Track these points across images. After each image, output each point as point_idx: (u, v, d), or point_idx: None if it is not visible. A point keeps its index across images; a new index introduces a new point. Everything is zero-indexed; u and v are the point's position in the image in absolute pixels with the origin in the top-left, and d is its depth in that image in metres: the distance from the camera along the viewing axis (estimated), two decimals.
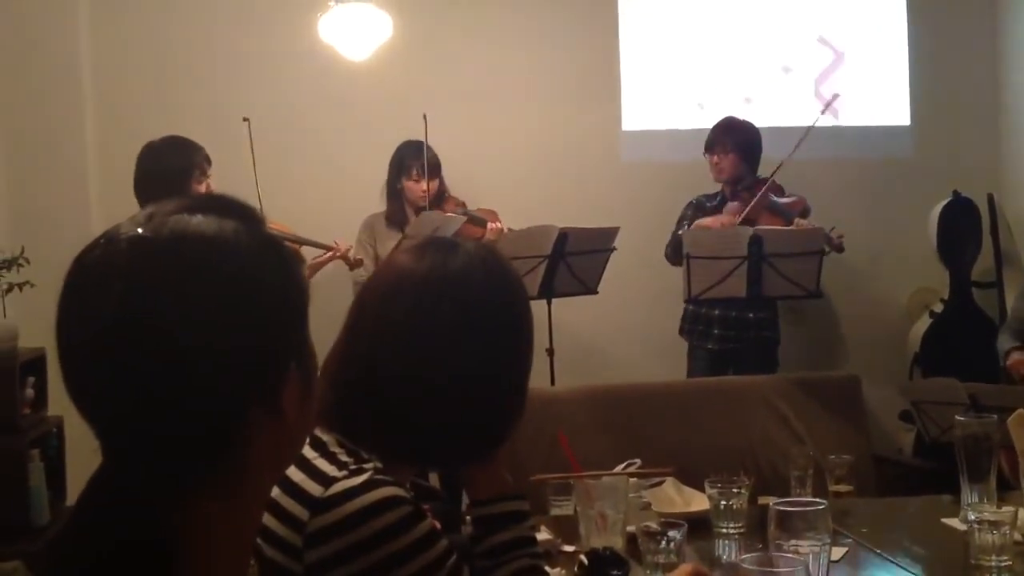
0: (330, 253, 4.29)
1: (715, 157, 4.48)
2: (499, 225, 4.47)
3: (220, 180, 3.84)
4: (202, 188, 3.73)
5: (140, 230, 0.85)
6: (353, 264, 4.31)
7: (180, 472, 0.84)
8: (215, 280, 0.84)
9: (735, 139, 4.47)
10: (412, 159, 4.45)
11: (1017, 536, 1.95)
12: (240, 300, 0.85)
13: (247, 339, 0.84)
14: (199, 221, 0.86)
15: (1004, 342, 4.27)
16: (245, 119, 4.15)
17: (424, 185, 4.42)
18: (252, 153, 4.06)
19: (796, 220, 4.32)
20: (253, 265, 0.87)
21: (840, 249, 4.32)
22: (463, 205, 4.47)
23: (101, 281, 0.83)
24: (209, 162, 3.82)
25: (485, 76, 5.01)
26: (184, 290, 0.82)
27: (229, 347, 0.83)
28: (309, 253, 4.20)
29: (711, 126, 4.68)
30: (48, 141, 4.58)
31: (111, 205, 4.28)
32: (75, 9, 4.69)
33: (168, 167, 3.72)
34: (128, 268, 0.83)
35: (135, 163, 3.79)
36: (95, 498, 0.84)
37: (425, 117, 4.22)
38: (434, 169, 4.45)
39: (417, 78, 4.92)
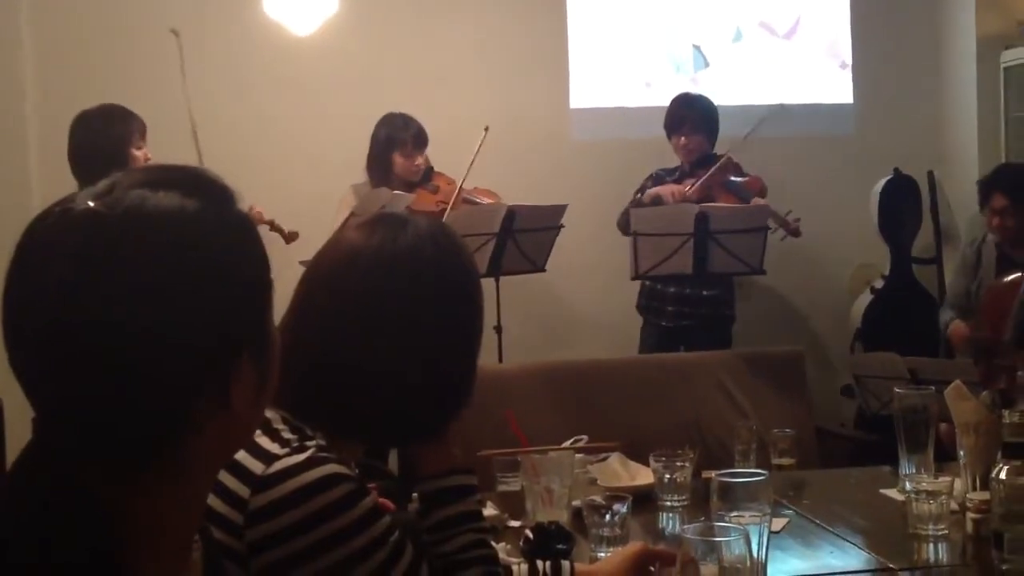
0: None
1: (682, 138, 4.45)
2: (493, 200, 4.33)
3: (162, 158, 3.77)
4: (140, 156, 3.65)
5: (94, 203, 0.81)
6: (288, 237, 4.14)
7: (121, 455, 0.82)
8: (166, 262, 0.81)
9: (700, 117, 4.47)
10: (402, 132, 4.35)
11: (953, 505, 2.00)
12: (191, 285, 0.81)
13: (195, 326, 0.82)
14: (159, 198, 0.82)
15: (943, 316, 4.37)
16: (174, 31, 4.01)
17: (417, 159, 4.36)
18: (193, 127, 3.95)
19: (754, 200, 4.34)
20: (211, 249, 0.84)
21: (796, 233, 4.35)
22: (453, 183, 4.40)
23: (49, 255, 0.80)
24: (144, 129, 3.69)
25: (432, 53, 4.98)
26: (131, 270, 0.80)
27: (175, 334, 0.80)
28: None
29: (659, 104, 4.69)
30: None
31: (52, 180, 4.20)
32: None
33: (103, 136, 3.62)
34: (77, 244, 0.80)
35: (68, 135, 3.67)
36: (30, 477, 0.82)
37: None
38: (423, 140, 4.37)
39: (364, 54, 4.88)
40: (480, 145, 4.20)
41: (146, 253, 0.80)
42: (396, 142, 4.36)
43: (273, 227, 4.08)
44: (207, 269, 0.83)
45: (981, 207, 4.27)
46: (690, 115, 4.46)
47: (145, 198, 0.82)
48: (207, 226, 0.84)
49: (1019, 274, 3.91)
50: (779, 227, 4.32)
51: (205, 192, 0.85)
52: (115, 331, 0.79)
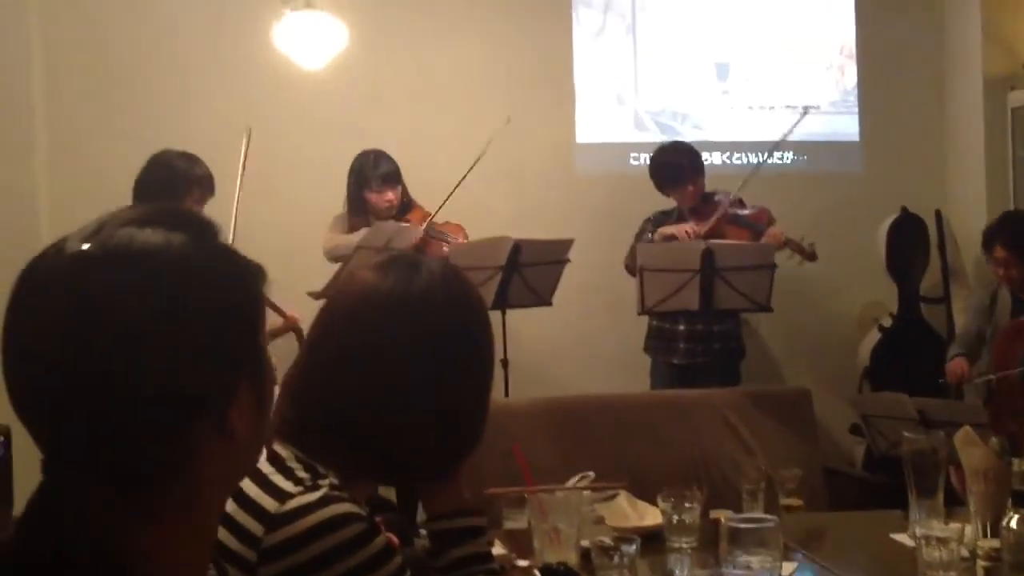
0: (283, 321, 4.00)
1: (689, 187, 4.43)
2: (463, 242, 4.39)
3: None
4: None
5: (85, 245, 0.84)
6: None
7: (127, 488, 0.83)
8: (157, 296, 0.83)
9: (696, 162, 4.48)
10: (371, 169, 4.41)
11: (964, 552, 1.98)
12: (182, 318, 0.83)
13: (190, 356, 0.83)
14: (146, 235, 0.85)
15: (951, 351, 4.36)
16: (247, 138, 4.05)
17: (387, 195, 4.39)
18: (243, 167, 3.97)
19: (769, 231, 4.33)
20: (199, 281, 0.85)
21: (813, 257, 4.33)
22: (429, 216, 4.42)
23: (44, 297, 0.82)
24: (211, 187, 3.73)
25: (438, 88, 5.01)
26: (124, 307, 0.81)
27: (171, 365, 0.82)
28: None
29: (665, 139, 4.71)
30: None
31: (61, 220, 4.22)
32: (26, 26, 4.62)
33: (173, 175, 3.68)
34: (70, 284, 0.82)
35: (145, 164, 3.73)
36: (42, 517, 0.83)
37: None
38: (393, 177, 4.41)
39: (372, 88, 4.91)
40: (459, 183, 4.23)
41: (137, 289, 0.82)
42: (365, 180, 4.39)
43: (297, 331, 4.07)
44: (197, 299, 0.84)
45: (985, 256, 4.28)
46: (689, 162, 4.46)
47: (132, 236, 0.84)
48: (194, 258, 0.86)
49: None
50: (794, 251, 4.30)
51: (188, 226, 0.87)
52: (113, 368, 0.80)
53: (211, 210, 3.63)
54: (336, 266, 4.24)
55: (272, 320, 3.88)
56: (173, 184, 3.67)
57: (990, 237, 4.20)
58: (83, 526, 0.81)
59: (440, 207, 4.30)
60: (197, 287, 0.85)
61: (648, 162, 4.63)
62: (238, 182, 3.93)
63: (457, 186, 4.25)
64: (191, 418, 0.84)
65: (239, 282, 0.89)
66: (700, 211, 4.43)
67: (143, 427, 0.82)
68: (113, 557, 0.81)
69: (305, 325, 4.03)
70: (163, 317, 0.82)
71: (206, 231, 0.89)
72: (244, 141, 4.03)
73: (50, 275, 0.83)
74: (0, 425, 3.81)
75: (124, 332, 0.81)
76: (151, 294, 0.82)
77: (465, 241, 4.37)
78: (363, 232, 4.25)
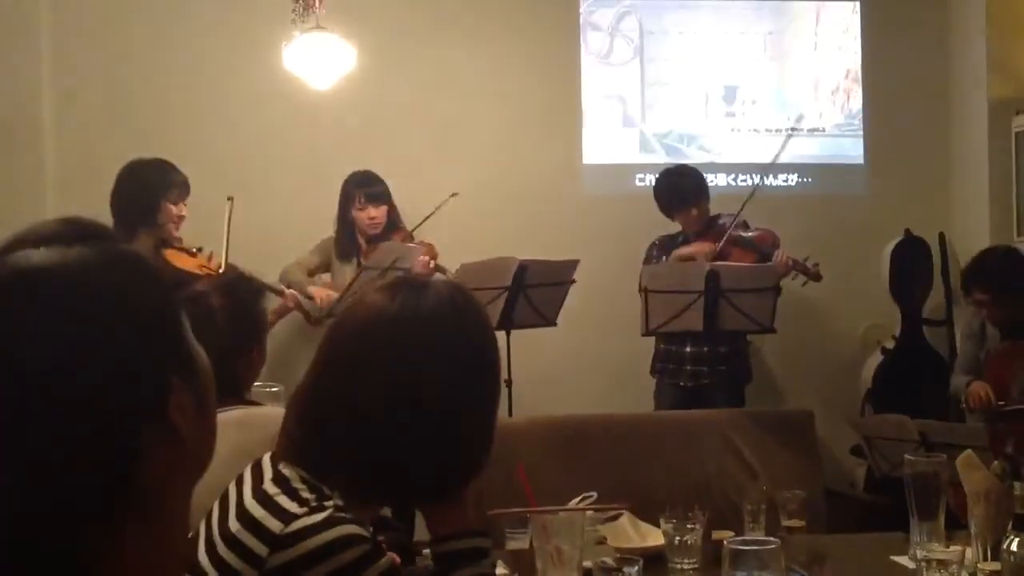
0: (283, 301, 4.23)
1: (693, 210, 4.46)
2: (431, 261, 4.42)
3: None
4: (174, 211, 3.75)
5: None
6: (314, 321, 4.27)
7: (78, 506, 0.82)
8: (61, 312, 0.82)
9: (700, 185, 4.51)
10: (357, 188, 4.46)
11: (965, 575, 1.99)
12: (90, 329, 0.82)
13: (111, 367, 0.82)
14: (41, 255, 0.84)
15: (958, 378, 4.35)
16: (230, 207, 4.10)
17: (371, 212, 4.42)
18: (227, 236, 4.01)
19: (776, 254, 4.34)
20: (102, 289, 0.84)
21: (818, 277, 4.34)
22: (411, 237, 4.46)
23: None
24: (186, 188, 3.81)
25: (446, 108, 5.05)
26: (30, 330, 0.81)
27: (94, 379, 0.81)
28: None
29: (670, 161, 4.73)
30: (7, 181, 4.53)
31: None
32: (37, 42, 4.67)
33: (140, 186, 3.74)
34: None
35: (116, 178, 3.80)
36: None
37: None
38: (378, 196, 4.45)
39: (380, 108, 4.95)
40: (441, 205, 4.30)
41: (41, 308, 0.81)
42: (350, 198, 4.46)
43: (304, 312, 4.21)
44: (104, 310, 0.84)
45: (965, 299, 4.27)
46: (694, 185, 4.49)
47: (28, 256, 0.84)
48: (93, 269, 0.85)
49: (1021, 340, 3.95)
50: (800, 273, 4.31)
51: (84, 237, 0.87)
52: (34, 392, 0.80)
53: None
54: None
55: (272, 301, 3.99)
56: (147, 187, 3.73)
57: (967, 281, 4.18)
58: (38, 548, 0.81)
59: (416, 227, 4.40)
60: (100, 297, 0.84)
61: (653, 185, 4.66)
62: (224, 250, 3.97)
63: (437, 209, 4.32)
64: (130, 425, 0.83)
65: (147, 285, 0.88)
66: (705, 234, 4.44)
67: (81, 443, 0.81)
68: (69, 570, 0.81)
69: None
70: (72, 333, 0.81)
71: (103, 239, 0.88)
72: (227, 209, 4.07)
73: None
74: None
75: (36, 354, 0.80)
76: (54, 311, 0.82)
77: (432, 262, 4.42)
78: (315, 281, 4.42)
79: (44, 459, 0.81)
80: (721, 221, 4.47)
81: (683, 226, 4.51)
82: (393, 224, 4.52)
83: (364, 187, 4.44)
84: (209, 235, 4.02)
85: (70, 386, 0.81)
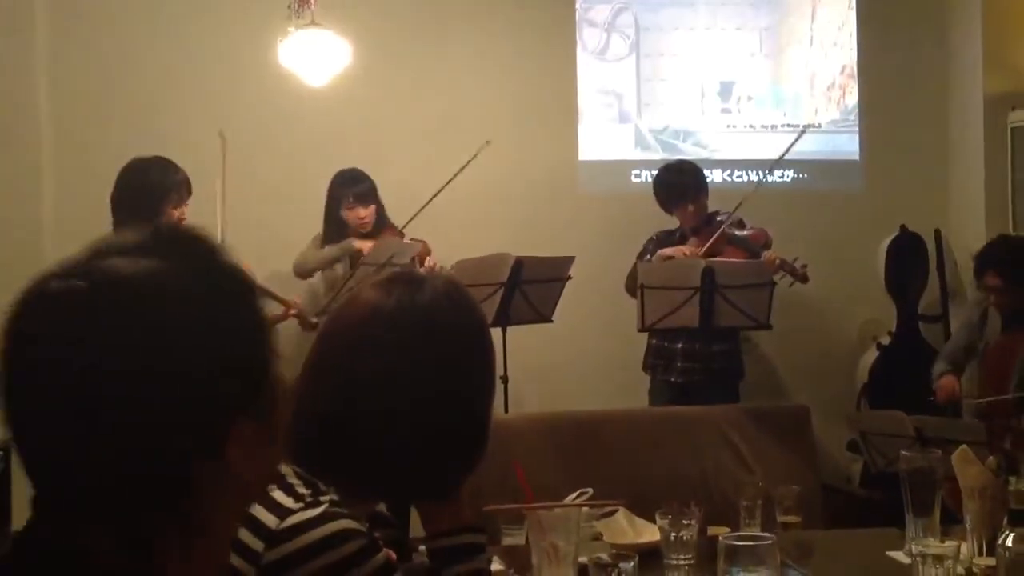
0: (284, 309, 4.20)
1: (690, 206, 4.45)
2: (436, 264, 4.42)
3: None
4: (176, 213, 3.72)
5: (70, 281, 0.81)
6: (307, 327, 4.24)
7: (127, 525, 0.82)
8: (145, 329, 0.80)
9: (699, 181, 4.50)
10: (345, 187, 4.44)
11: (960, 570, 1.99)
12: (171, 350, 0.80)
13: (182, 390, 0.80)
14: (133, 265, 0.82)
15: (939, 367, 4.36)
16: (221, 135, 4.11)
17: (360, 213, 4.41)
18: (223, 175, 4.02)
19: (764, 254, 4.34)
20: (190, 311, 0.82)
21: (805, 279, 4.34)
22: (401, 234, 4.45)
23: (35, 337, 0.81)
24: (188, 188, 3.78)
25: (442, 104, 5.04)
26: (112, 343, 0.79)
27: (164, 399, 0.80)
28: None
29: (667, 158, 4.73)
30: (6, 180, 4.52)
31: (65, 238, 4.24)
32: (33, 43, 4.66)
33: (141, 186, 3.69)
34: (58, 323, 0.80)
35: (116, 177, 3.76)
36: (36, 554, 0.82)
37: None
38: (366, 195, 4.44)
39: (375, 104, 4.94)
40: (430, 199, 4.29)
41: (125, 323, 0.80)
42: (339, 197, 4.44)
43: (300, 318, 4.19)
44: (186, 331, 0.81)
45: (976, 281, 4.28)
46: (692, 181, 4.49)
47: (119, 268, 0.82)
48: (185, 288, 0.82)
49: (1018, 335, 3.96)
50: (787, 273, 4.32)
51: (181, 251, 0.84)
52: (106, 404, 0.79)
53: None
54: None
55: (271, 308, 3.97)
56: (150, 191, 3.68)
57: (981, 264, 4.19)
58: (80, 566, 0.81)
59: (408, 222, 4.37)
60: (187, 319, 0.81)
61: (651, 180, 4.66)
62: (219, 190, 3.96)
63: (429, 202, 4.31)
64: (185, 453, 0.82)
65: (238, 311, 0.86)
66: (701, 231, 4.44)
67: (138, 463, 0.80)
68: None
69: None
70: (153, 351, 0.80)
71: (202, 255, 0.86)
72: (220, 146, 4.06)
73: (38, 312, 0.81)
74: None
75: (115, 368, 0.79)
76: (139, 327, 0.80)
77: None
78: (335, 247, 4.39)
79: (96, 484, 0.80)
80: (719, 219, 4.47)
81: (680, 221, 4.52)
82: (383, 221, 4.51)
83: (351, 186, 4.42)
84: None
85: (139, 401, 0.79)
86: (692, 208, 4.45)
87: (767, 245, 4.43)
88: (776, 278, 4.23)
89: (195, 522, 0.84)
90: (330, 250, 4.43)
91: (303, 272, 4.47)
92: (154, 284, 0.81)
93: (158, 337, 0.80)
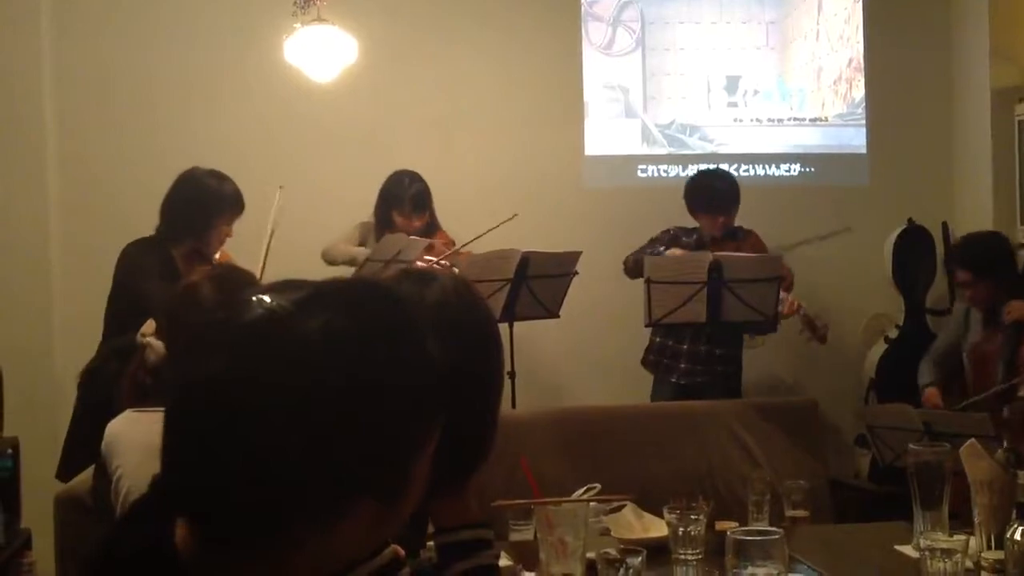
0: None
1: (720, 218, 4.38)
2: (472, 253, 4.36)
3: None
4: (225, 231, 3.68)
5: (267, 308, 0.84)
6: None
7: (234, 548, 0.84)
8: (302, 382, 0.82)
9: (736, 196, 4.42)
10: (402, 193, 4.36)
11: (968, 564, 1.99)
12: (352, 397, 0.83)
13: (358, 436, 0.84)
14: (317, 319, 0.84)
15: (924, 374, 4.35)
16: (280, 188, 4.11)
17: (415, 223, 4.33)
18: (272, 222, 4.00)
19: (783, 296, 4.15)
20: (357, 383, 0.85)
21: (823, 340, 4.25)
22: (452, 243, 4.40)
23: (211, 349, 0.84)
24: (240, 209, 3.70)
25: (448, 100, 5.04)
26: (277, 382, 0.81)
27: (329, 439, 0.82)
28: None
29: (674, 151, 4.72)
30: (7, 184, 4.53)
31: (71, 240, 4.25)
32: (38, 45, 4.66)
33: (199, 203, 3.62)
34: (235, 344, 0.83)
35: (172, 183, 3.68)
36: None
37: None
38: (423, 203, 4.37)
39: (381, 101, 4.94)
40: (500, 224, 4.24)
41: (289, 370, 0.82)
42: (394, 201, 4.38)
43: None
44: (355, 399, 0.84)
45: (949, 281, 4.32)
46: (729, 192, 4.41)
47: (302, 320, 0.84)
48: (364, 359, 0.85)
49: (996, 334, 4.00)
50: (806, 328, 4.21)
51: (368, 318, 0.87)
52: (252, 437, 0.81)
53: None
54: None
55: None
56: (204, 203, 3.61)
57: (949, 263, 4.25)
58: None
59: (466, 244, 4.31)
60: (354, 388, 0.84)
61: (659, 175, 4.63)
62: (267, 239, 3.96)
63: (491, 230, 4.25)
64: (342, 496, 0.84)
65: (404, 366, 0.91)
66: (722, 243, 4.39)
67: (256, 500, 0.82)
68: None
69: None
70: (298, 403, 0.82)
71: (393, 327, 0.90)
72: (277, 195, 4.04)
73: (223, 327, 0.85)
74: (8, 437, 3.83)
75: (269, 408, 0.81)
76: (303, 378, 0.82)
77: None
78: (364, 249, 4.30)
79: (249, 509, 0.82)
80: (741, 236, 4.43)
81: (705, 228, 4.44)
82: (434, 226, 4.44)
83: (410, 191, 4.34)
84: None
85: (276, 444, 0.81)
86: (722, 220, 4.39)
87: (788, 288, 4.26)
88: (795, 331, 4.18)
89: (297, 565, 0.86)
90: (357, 251, 4.36)
91: (328, 260, 4.39)
92: (329, 339, 0.85)
93: (293, 379, 0.83)
